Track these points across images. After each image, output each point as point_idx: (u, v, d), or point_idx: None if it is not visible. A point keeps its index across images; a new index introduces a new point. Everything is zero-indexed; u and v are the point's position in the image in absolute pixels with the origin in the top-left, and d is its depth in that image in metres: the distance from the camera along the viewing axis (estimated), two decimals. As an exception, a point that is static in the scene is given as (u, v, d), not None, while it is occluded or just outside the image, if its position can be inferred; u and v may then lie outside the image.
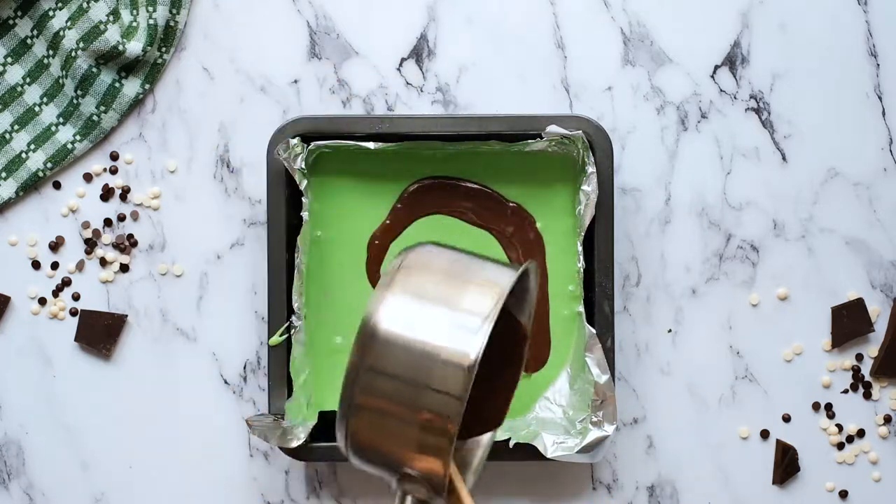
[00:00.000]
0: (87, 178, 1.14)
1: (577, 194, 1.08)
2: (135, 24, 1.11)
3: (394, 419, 0.85)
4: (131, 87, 1.12)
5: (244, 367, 1.13)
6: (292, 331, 1.08)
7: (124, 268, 1.13)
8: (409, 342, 0.85)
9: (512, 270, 0.89)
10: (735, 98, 1.13)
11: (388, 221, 1.11)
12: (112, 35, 1.10)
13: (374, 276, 1.11)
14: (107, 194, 1.13)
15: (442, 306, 0.86)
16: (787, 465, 1.12)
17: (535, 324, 1.11)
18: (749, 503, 1.13)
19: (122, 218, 1.13)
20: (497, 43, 1.13)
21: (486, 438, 0.98)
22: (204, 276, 1.13)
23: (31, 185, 1.13)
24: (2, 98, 1.13)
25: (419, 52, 1.13)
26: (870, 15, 1.13)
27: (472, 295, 0.87)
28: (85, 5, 1.11)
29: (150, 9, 1.10)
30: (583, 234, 1.07)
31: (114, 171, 1.14)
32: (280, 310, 1.08)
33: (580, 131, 1.06)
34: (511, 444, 1.06)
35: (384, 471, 0.89)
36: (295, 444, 1.05)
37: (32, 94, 1.13)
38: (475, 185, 1.11)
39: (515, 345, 0.97)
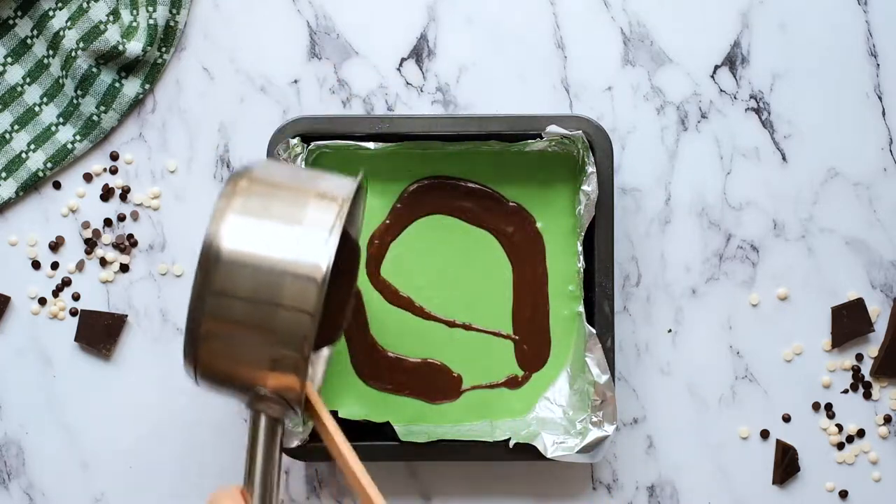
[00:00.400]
0: (87, 178, 1.14)
1: (577, 194, 1.08)
2: (135, 24, 1.11)
3: (246, 342, 0.84)
4: (131, 87, 1.12)
5: (244, 367, 1.13)
6: (292, 331, 1.08)
7: (124, 268, 1.13)
8: (255, 261, 0.84)
9: (349, 181, 0.88)
10: (735, 98, 1.13)
11: (387, 221, 1.11)
12: (112, 35, 1.10)
13: (373, 276, 1.11)
14: (107, 194, 1.13)
15: (286, 222, 0.85)
16: (787, 465, 1.12)
17: (535, 324, 1.11)
18: (749, 503, 1.13)
19: (122, 218, 1.13)
20: (497, 43, 1.13)
21: (325, 352, 0.98)
22: (204, 276, 1.13)
23: (31, 185, 1.13)
24: (2, 98, 1.13)
25: (419, 52, 1.13)
26: (870, 15, 1.13)
27: (314, 208, 0.85)
28: (85, 5, 1.11)
29: (150, 9, 1.10)
30: (583, 234, 1.07)
31: (114, 171, 1.14)
32: (280, 310, 1.08)
33: (580, 131, 1.06)
34: (511, 444, 1.06)
35: (236, 393, 0.88)
36: (295, 444, 1.05)
37: (32, 94, 1.13)
38: (475, 185, 1.11)
39: (348, 257, 0.97)
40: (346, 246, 0.97)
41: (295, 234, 0.85)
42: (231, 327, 0.84)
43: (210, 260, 0.84)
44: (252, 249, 0.84)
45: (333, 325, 0.98)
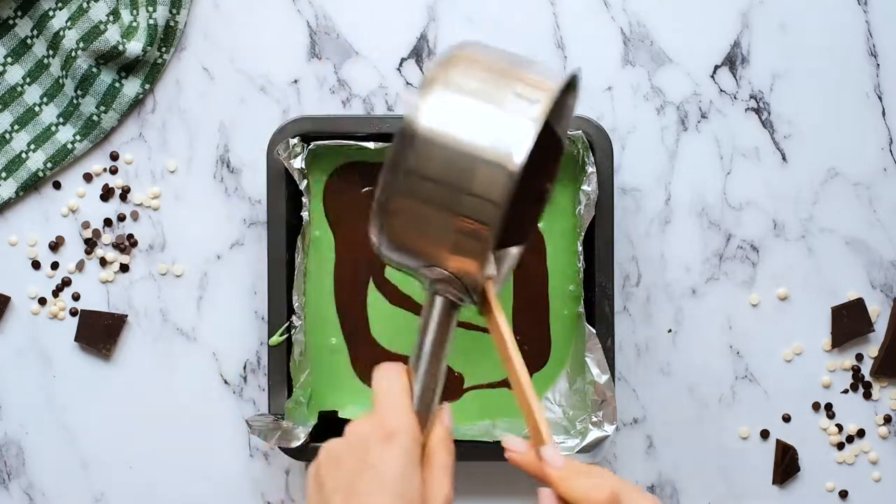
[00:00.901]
0: (87, 178, 1.14)
1: (577, 194, 1.08)
2: (135, 24, 1.11)
3: (432, 221, 0.82)
4: (131, 87, 1.12)
5: (244, 367, 1.13)
6: (292, 331, 1.08)
7: (124, 268, 1.13)
8: (450, 142, 0.81)
9: (559, 73, 0.86)
10: (735, 98, 1.13)
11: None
12: (112, 35, 1.10)
13: (374, 276, 1.11)
14: (107, 194, 1.13)
15: (487, 104, 0.82)
16: (787, 465, 1.12)
17: (535, 324, 1.11)
18: (749, 503, 1.13)
19: (122, 218, 1.13)
20: (497, 43, 1.13)
21: (514, 251, 0.94)
22: (204, 276, 1.13)
23: (31, 185, 1.13)
24: (2, 98, 1.13)
25: (419, 52, 1.13)
26: (870, 15, 1.13)
27: (518, 95, 0.83)
28: (85, 5, 1.11)
29: (150, 9, 1.10)
30: (583, 234, 1.07)
31: (114, 171, 1.14)
32: (280, 310, 1.08)
33: (580, 131, 1.06)
34: (511, 444, 1.06)
35: (416, 269, 0.86)
36: (295, 444, 1.05)
37: (32, 94, 1.13)
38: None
39: (550, 157, 0.93)
40: (549, 142, 0.93)
41: (495, 119, 0.82)
42: (419, 206, 0.82)
43: (407, 136, 0.82)
44: (449, 130, 0.82)
45: (524, 224, 0.95)
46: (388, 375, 0.86)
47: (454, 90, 0.83)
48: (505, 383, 1.11)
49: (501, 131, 0.81)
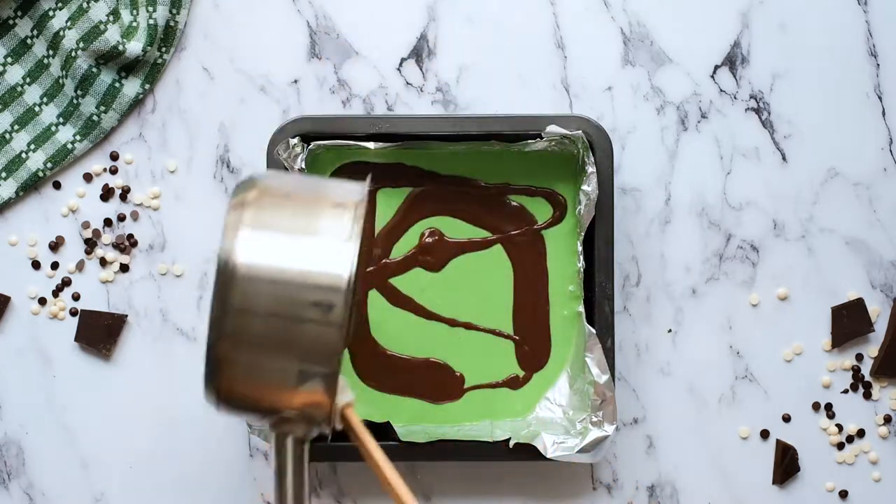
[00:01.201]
0: (87, 178, 1.14)
1: (577, 194, 1.08)
2: (135, 24, 1.11)
3: (271, 361, 0.81)
4: (131, 87, 1.12)
5: (244, 367, 1.13)
6: (292, 331, 1.08)
7: (124, 268, 1.13)
8: (274, 274, 0.80)
9: (359, 185, 0.86)
10: (735, 98, 1.13)
11: (391, 222, 1.11)
12: (112, 35, 1.10)
13: (374, 277, 1.11)
14: (107, 194, 1.13)
15: (301, 232, 0.82)
16: (787, 465, 1.12)
17: (535, 324, 1.11)
18: (749, 503, 1.13)
19: (122, 218, 1.13)
20: (497, 43, 1.13)
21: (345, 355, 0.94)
22: (204, 276, 1.13)
23: (31, 185, 1.13)
24: (2, 98, 1.13)
25: (419, 52, 1.13)
26: (870, 15, 1.13)
27: (328, 216, 0.82)
28: (85, 5, 1.11)
29: (150, 9, 1.10)
30: (583, 234, 1.07)
31: (114, 171, 1.14)
32: (280, 310, 1.08)
33: (580, 131, 1.06)
34: (511, 444, 1.06)
35: (257, 417, 0.84)
36: (294, 444, 1.05)
37: (32, 94, 1.13)
38: (477, 187, 1.11)
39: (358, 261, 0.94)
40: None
41: (312, 244, 0.82)
42: (254, 347, 0.80)
43: (226, 277, 0.80)
44: (269, 262, 0.81)
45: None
46: None
47: (264, 223, 0.82)
48: (506, 384, 1.11)
49: (322, 254, 0.81)
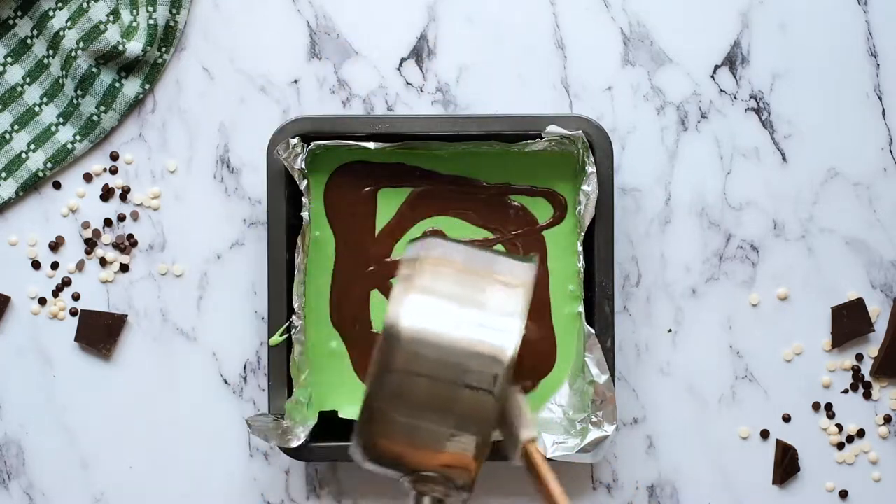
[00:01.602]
0: (87, 178, 1.14)
1: (577, 194, 1.08)
2: (135, 24, 1.11)
3: (425, 422, 0.83)
4: (131, 87, 1.12)
5: (244, 367, 1.13)
6: (292, 331, 1.08)
7: (124, 268, 1.13)
8: (439, 339, 0.83)
9: (528, 264, 0.88)
10: (735, 98, 1.13)
11: (391, 222, 1.11)
12: (112, 35, 1.10)
13: (376, 277, 1.11)
14: (107, 194, 1.13)
15: (469, 304, 0.84)
16: (787, 465, 1.12)
17: (540, 329, 1.11)
18: (749, 503, 1.13)
19: (122, 218, 1.13)
20: (497, 43, 1.13)
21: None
22: (204, 276, 1.13)
23: (31, 185, 1.13)
24: (2, 98, 1.13)
25: (419, 52, 1.13)
26: (870, 15, 1.13)
27: (497, 292, 0.85)
28: (85, 5, 1.11)
29: (150, 9, 1.10)
30: (583, 234, 1.07)
31: (114, 171, 1.14)
32: (280, 310, 1.08)
33: (580, 131, 1.06)
34: (511, 444, 1.06)
35: (399, 472, 0.86)
36: (295, 444, 1.05)
37: (32, 94, 1.13)
38: (478, 186, 1.11)
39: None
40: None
41: (479, 316, 0.83)
42: (412, 407, 0.82)
43: (392, 338, 0.82)
44: (436, 328, 0.83)
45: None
46: None
47: (433, 291, 0.84)
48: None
49: (488, 327, 0.83)
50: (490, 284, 0.85)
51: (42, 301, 1.13)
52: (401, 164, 1.11)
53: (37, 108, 1.13)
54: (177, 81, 1.13)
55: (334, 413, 1.09)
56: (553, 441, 1.06)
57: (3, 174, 1.13)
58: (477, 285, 0.85)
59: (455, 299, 0.84)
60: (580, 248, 1.08)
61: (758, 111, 1.13)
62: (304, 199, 1.07)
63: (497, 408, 0.82)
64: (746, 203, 1.13)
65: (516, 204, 1.11)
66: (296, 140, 1.07)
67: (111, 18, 1.11)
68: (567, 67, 1.13)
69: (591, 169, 1.06)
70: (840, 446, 1.13)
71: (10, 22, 1.13)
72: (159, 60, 1.13)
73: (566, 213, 1.11)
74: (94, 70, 1.11)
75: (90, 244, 1.13)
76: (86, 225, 1.13)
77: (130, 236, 1.13)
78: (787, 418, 1.13)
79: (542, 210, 1.11)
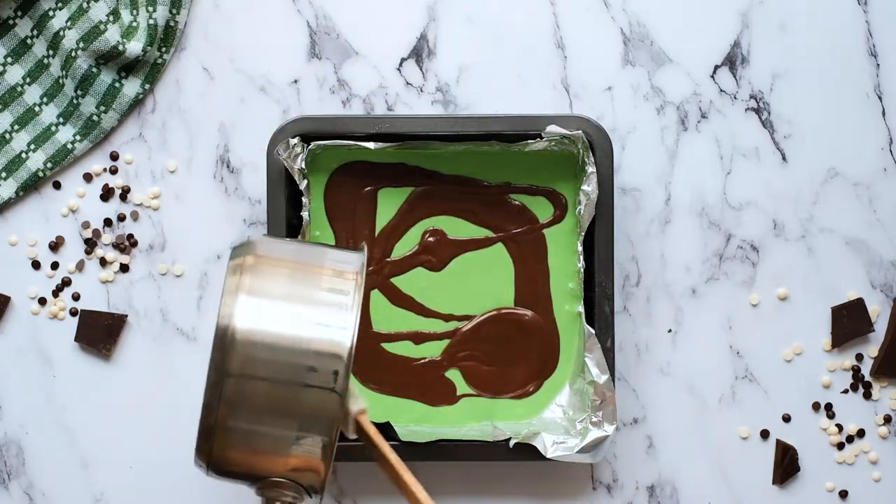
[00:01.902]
0: (87, 178, 1.14)
1: (577, 194, 1.08)
2: (135, 24, 1.11)
3: (268, 428, 0.81)
4: (131, 87, 1.12)
5: (244, 367, 1.13)
6: (292, 331, 1.08)
7: (124, 268, 1.13)
8: (275, 340, 0.80)
9: (358, 253, 0.86)
10: (735, 98, 1.13)
11: (391, 222, 1.11)
12: (112, 35, 1.10)
13: (376, 277, 1.11)
14: (107, 194, 1.13)
15: (302, 301, 0.82)
16: (787, 465, 1.12)
17: (542, 329, 1.10)
18: (749, 503, 1.13)
19: (122, 218, 1.13)
20: (497, 43, 1.13)
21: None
22: (204, 276, 1.13)
23: (31, 185, 1.13)
24: (2, 98, 1.13)
25: (419, 52, 1.13)
26: (870, 15, 1.13)
27: (329, 285, 0.83)
28: (85, 5, 1.11)
29: (150, 9, 1.10)
30: (583, 234, 1.07)
31: (114, 171, 1.14)
32: (280, 310, 1.08)
33: (580, 131, 1.06)
34: (511, 444, 1.06)
35: (248, 482, 0.84)
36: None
37: (32, 94, 1.13)
38: (479, 185, 1.11)
39: None
40: None
41: (314, 312, 0.82)
42: (252, 412, 0.80)
43: (225, 342, 0.80)
44: (271, 329, 0.81)
45: None
46: None
47: (264, 290, 0.82)
48: (495, 394, 1.11)
49: (324, 322, 0.81)
50: (322, 279, 0.83)
51: (42, 301, 1.13)
52: (401, 164, 1.11)
53: (37, 108, 1.13)
54: (177, 81, 1.13)
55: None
56: (553, 441, 1.06)
57: (3, 174, 1.13)
58: (309, 281, 0.83)
59: (288, 298, 0.82)
60: (580, 248, 1.08)
61: (758, 111, 1.13)
62: (304, 199, 1.07)
63: (340, 404, 0.80)
64: (746, 203, 1.13)
65: (517, 203, 1.11)
66: (296, 140, 1.07)
67: (111, 18, 1.11)
68: (567, 67, 1.13)
69: (591, 169, 1.06)
70: (840, 446, 1.13)
71: (10, 22, 1.13)
72: (159, 60, 1.13)
73: (566, 212, 1.11)
74: (94, 70, 1.11)
75: (90, 244, 1.13)
76: (86, 225, 1.13)
77: (130, 236, 1.13)
78: (787, 418, 1.13)
79: (542, 209, 1.11)
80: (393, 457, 0.87)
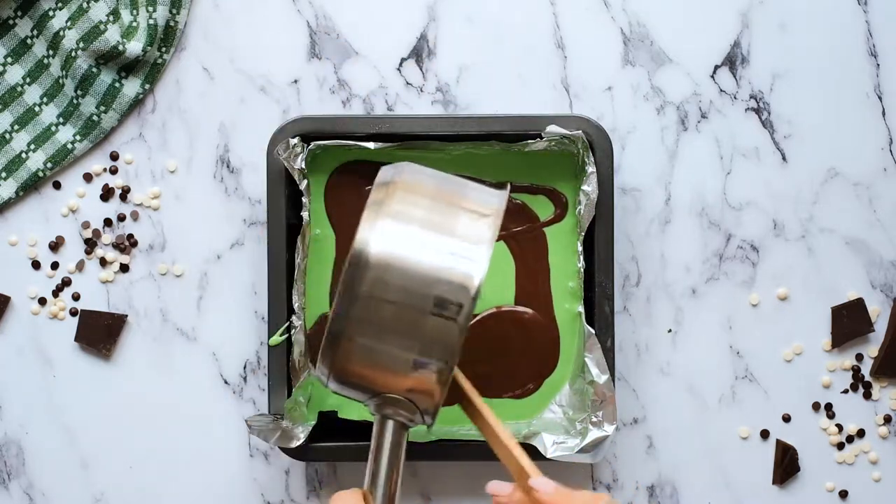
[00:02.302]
0: (87, 178, 1.14)
1: (578, 194, 1.08)
2: (135, 24, 1.11)
3: (391, 347, 0.83)
4: (131, 87, 1.12)
5: (244, 367, 1.13)
6: (292, 331, 1.08)
7: (124, 268, 1.13)
8: (407, 265, 0.83)
9: (501, 191, 0.87)
10: (735, 98, 1.13)
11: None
12: (112, 35, 1.10)
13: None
14: (107, 194, 1.13)
15: (438, 231, 0.84)
16: (787, 465, 1.12)
17: (542, 327, 1.10)
18: (749, 503, 1.13)
19: (122, 218, 1.13)
20: (497, 43, 1.13)
21: None
22: (204, 276, 1.13)
23: (31, 185, 1.13)
24: (2, 98, 1.13)
25: (419, 52, 1.13)
26: (870, 15, 1.13)
27: (467, 220, 0.84)
28: (85, 5, 1.11)
29: (150, 9, 1.10)
30: (583, 234, 1.07)
31: (114, 171, 1.14)
32: (280, 310, 1.08)
33: (580, 131, 1.06)
34: (511, 444, 1.07)
35: (364, 394, 0.86)
36: (295, 444, 1.05)
37: (32, 94, 1.13)
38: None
39: None
40: None
41: (448, 243, 0.83)
42: (378, 331, 0.83)
43: (361, 263, 0.82)
44: (404, 254, 0.83)
45: None
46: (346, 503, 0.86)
47: (403, 216, 0.84)
48: (496, 394, 1.11)
49: (457, 254, 0.83)
50: (461, 211, 0.85)
51: (42, 301, 1.13)
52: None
53: (37, 108, 1.13)
54: (177, 81, 1.13)
55: (334, 413, 1.09)
56: (553, 441, 1.06)
57: (3, 174, 1.13)
58: (448, 212, 0.85)
59: (425, 225, 0.84)
60: (580, 248, 1.08)
61: (758, 111, 1.13)
62: (304, 199, 1.07)
63: (461, 335, 0.82)
64: (746, 203, 1.13)
65: (518, 201, 1.11)
66: (296, 140, 1.07)
67: (111, 18, 1.11)
68: (567, 67, 1.13)
69: (591, 169, 1.06)
70: (840, 446, 1.13)
71: (10, 22, 1.13)
72: (159, 60, 1.13)
73: (567, 210, 1.11)
74: (94, 70, 1.11)
75: (90, 244, 1.13)
76: (86, 225, 1.13)
77: (130, 236, 1.13)
78: (787, 418, 1.13)
79: (543, 207, 1.11)
80: (486, 411, 0.90)
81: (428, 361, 0.83)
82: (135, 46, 1.10)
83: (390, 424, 0.87)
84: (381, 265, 0.83)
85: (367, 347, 0.84)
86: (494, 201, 0.87)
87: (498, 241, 1.11)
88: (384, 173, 0.88)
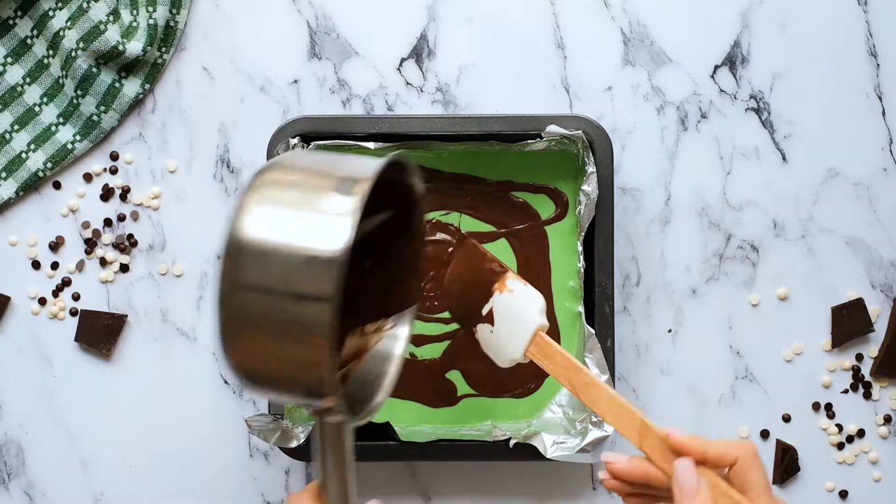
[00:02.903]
0: (87, 178, 1.14)
1: (578, 194, 1.08)
2: (135, 24, 1.11)
3: (273, 337, 0.79)
4: (131, 87, 1.12)
5: (244, 367, 1.13)
6: (292, 331, 1.08)
7: (124, 268, 1.13)
8: (265, 250, 0.78)
9: (379, 159, 0.83)
10: (735, 98, 1.13)
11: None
12: (112, 35, 1.10)
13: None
14: (107, 194, 1.13)
15: (305, 206, 0.80)
16: (787, 465, 1.12)
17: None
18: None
19: (122, 218, 1.13)
20: (497, 43, 1.13)
21: (409, 313, 0.93)
22: (204, 276, 1.13)
23: (31, 185, 1.13)
24: (2, 98, 1.13)
25: (419, 52, 1.13)
26: (870, 15, 1.13)
27: (335, 190, 0.80)
28: (85, 5, 1.11)
29: (150, 9, 1.10)
30: (583, 234, 1.07)
31: (114, 171, 1.14)
32: (280, 310, 1.08)
33: (580, 131, 1.06)
34: (511, 444, 1.06)
35: (283, 399, 0.84)
36: (295, 444, 1.05)
37: (32, 94, 1.13)
38: (481, 183, 1.11)
39: (410, 216, 0.91)
40: (404, 202, 0.90)
41: (313, 217, 0.79)
42: (256, 322, 0.79)
43: (231, 251, 0.79)
44: (267, 238, 0.79)
45: (408, 286, 0.93)
46: None
47: (272, 200, 0.80)
48: (496, 393, 1.11)
49: (321, 228, 0.79)
50: (331, 186, 0.81)
51: (42, 301, 1.13)
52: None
53: (37, 108, 1.13)
54: (177, 81, 1.13)
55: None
56: (553, 441, 1.06)
57: (3, 174, 1.13)
58: (320, 187, 0.81)
59: (293, 203, 0.80)
60: (580, 248, 1.08)
61: (758, 111, 1.13)
62: (304, 199, 1.07)
63: (333, 311, 0.77)
64: (746, 203, 1.13)
65: (519, 200, 1.11)
66: (296, 140, 1.07)
67: (111, 18, 1.11)
68: (567, 67, 1.13)
69: (591, 169, 1.06)
70: (840, 446, 1.13)
71: (10, 22, 1.13)
72: (159, 60, 1.13)
73: (567, 209, 1.11)
74: (94, 70, 1.11)
75: (90, 244, 1.13)
76: (86, 225, 1.13)
77: (130, 236, 1.13)
78: (787, 418, 1.13)
79: (544, 206, 1.11)
80: (579, 364, 0.94)
81: (305, 348, 0.78)
82: (135, 46, 1.10)
83: (326, 423, 0.84)
84: (247, 252, 0.79)
85: (254, 342, 0.79)
86: (368, 168, 0.82)
87: (500, 238, 1.11)
88: (262, 165, 0.84)
